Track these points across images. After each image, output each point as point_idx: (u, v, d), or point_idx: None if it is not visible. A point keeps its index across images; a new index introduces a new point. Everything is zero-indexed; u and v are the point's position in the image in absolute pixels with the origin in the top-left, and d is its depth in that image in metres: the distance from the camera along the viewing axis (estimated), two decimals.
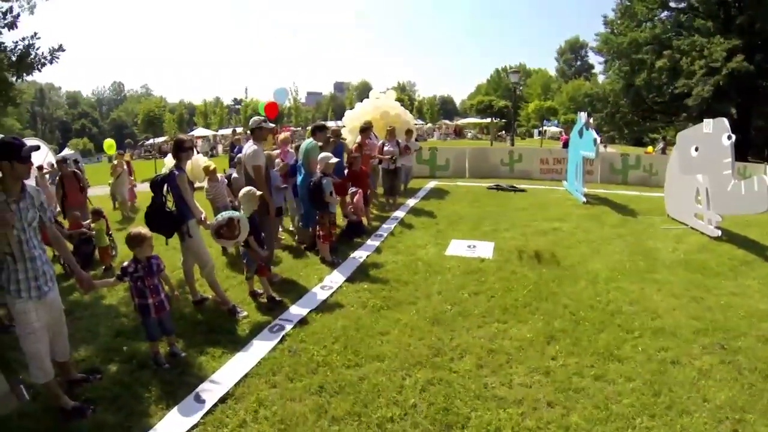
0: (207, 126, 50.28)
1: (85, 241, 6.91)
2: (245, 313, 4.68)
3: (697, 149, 7.70)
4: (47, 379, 3.14)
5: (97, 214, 7.06)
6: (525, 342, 4.00)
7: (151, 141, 39.64)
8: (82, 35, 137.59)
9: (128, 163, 11.47)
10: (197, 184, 12.15)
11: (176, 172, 4.55)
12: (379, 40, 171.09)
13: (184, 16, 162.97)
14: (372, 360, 3.76)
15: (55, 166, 8.80)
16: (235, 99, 63.02)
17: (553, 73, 72.49)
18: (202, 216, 4.67)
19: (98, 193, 13.66)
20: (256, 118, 5.70)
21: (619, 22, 33.88)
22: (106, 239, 6.89)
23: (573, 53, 72.86)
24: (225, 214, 4.55)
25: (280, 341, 4.09)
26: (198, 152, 24.68)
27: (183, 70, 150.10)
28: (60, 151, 34.79)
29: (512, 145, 28.38)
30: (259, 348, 3.99)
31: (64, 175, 8.18)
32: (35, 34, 6.88)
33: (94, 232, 6.90)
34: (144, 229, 3.73)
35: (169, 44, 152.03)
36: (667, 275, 5.65)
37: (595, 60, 62.78)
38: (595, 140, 9.58)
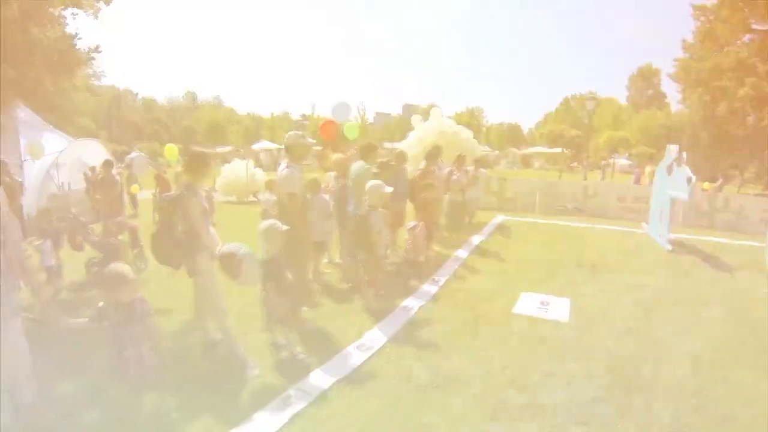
0: (272, 140, 51.19)
1: (112, 251, 6.53)
2: (257, 372, 3.82)
3: None
4: None
5: (122, 226, 6.72)
6: None
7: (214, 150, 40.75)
8: (160, 45, 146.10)
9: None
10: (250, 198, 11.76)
11: (186, 194, 3.80)
12: (446, 63, 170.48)
13: (256, 25, 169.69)
14: None
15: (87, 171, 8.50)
16: (303, 115, 64.02)
17: (623, 102, 69.20)
18: (217, 249, 3.89)
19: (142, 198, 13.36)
20: (292, 133, 4.84)
21: (699, 46, 31.58)
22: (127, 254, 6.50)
23: (645, 81, 69.27)
24: (230, 247, 3.72)
25: (288, 422, 3.18)
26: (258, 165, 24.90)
27: (254, 81, 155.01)
28: (129, 153, 36.59)
29: (602, 178, 27.32)
30: (259, 427, 3.12)
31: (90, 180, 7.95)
32: (76, 34, 6.70)
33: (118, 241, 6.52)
34: (125, 268, 3.03)
35: (241, 56, 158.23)
36: None
37: (669, 88, 59.75)
38: (689, 179, 8.25)
